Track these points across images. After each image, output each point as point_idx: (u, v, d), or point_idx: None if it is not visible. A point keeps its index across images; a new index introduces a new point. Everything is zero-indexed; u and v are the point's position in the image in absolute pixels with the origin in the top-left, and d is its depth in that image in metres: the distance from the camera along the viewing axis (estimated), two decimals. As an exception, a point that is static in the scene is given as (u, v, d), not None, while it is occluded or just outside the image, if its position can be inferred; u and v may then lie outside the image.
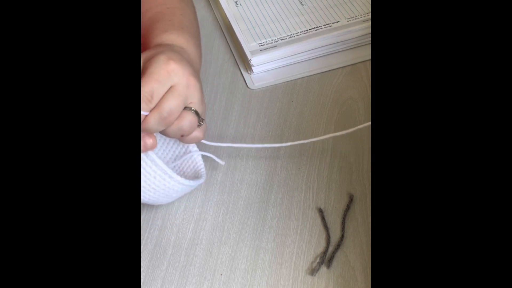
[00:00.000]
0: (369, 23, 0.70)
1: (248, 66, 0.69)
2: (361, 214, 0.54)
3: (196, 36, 0.58)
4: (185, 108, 0.48)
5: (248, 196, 0.56)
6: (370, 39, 0.70)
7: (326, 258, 0.51)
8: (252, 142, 0.61)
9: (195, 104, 0.49)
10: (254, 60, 0.67)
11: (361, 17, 0.72)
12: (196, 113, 0.49)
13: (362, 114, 0.63)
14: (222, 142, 0.56)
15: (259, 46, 0.69)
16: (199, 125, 0.50)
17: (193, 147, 0.57)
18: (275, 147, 0.60)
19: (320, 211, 0.55)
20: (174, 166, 0.57)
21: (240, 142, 0.61)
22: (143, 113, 0.46)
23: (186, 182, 0.50)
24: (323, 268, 0.50)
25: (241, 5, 0.75)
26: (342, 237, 0.52)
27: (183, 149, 0.57)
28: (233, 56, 0.71)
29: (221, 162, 0.56)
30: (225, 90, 0.67)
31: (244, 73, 0.69)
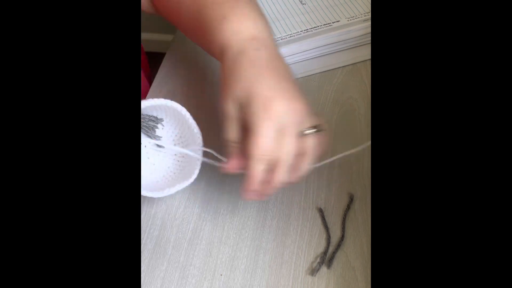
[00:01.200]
0: (369, 23, 0.70)
1: (248, 65, 0.68)
2: (361, 214, 0.54)
3: (263, 14, 0.50)
4: (302, 135, 0.44)
5: (248, 196, 0.56)
6: (370, 38, 0.70)
7: (327, 258, 0.51)
8: (252, 142, 0.61)
9: (304, 122, 0.45)
10: (254, 60, 0.67)
11: (361, 17, 0.71)
12: (313, 128, 0.45)
13: (362, 114, 0.63)
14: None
15: (259, 45, 0.69)
16: (319, 131, 0.46)
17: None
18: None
19: (320, 211, 0.54)
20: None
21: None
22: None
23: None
24: (323, 268, 0.50)
25: (241, 4, 0.75)
26: (342, 237, 0.52)
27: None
28: (233, 55, 0.71)
29: (223, 159, 0.56)
30: (225, 90, 0.67)
31: (244, 73, 0.69)
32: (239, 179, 0.58)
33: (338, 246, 0.51)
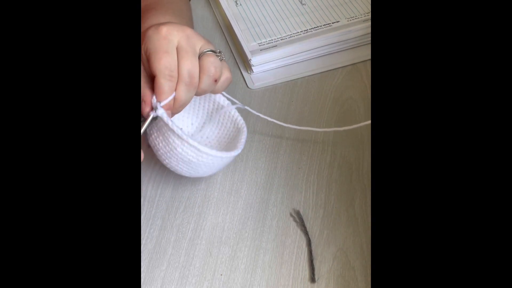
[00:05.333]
0: (369, 23, 0.70)
1: (248, 66, 0.69)
2: (361, 214, 0.54)
3: (191, 25, 0.58)
4: (200, 55, 0.48)
5: (248, 196, 0.56)
6: (370, 39, 0.70)
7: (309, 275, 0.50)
8: (252, 142, 0.61)
9: (204, 46, 0.48)
10: (254, 60, 0.67)
11: (361, 17, 0.72)
12: (212, 51, 0.49)
13: (362, 114, 0.63)
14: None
15: (259, 46, 0.69)
16: (222, 60, 0.50)
17: (224, 101, 0.57)
18: (274, 148, 0.60)
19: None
20: (212, 127, 0.58)
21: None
22: (169, 99, 0.47)
23: (219, 153, 0.50)
24: (323, 268, 0.50)
25: (241, 4, 0.75)
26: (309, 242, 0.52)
27: (214, 105, 0.57)
28: (233, 56, 0.71)
29: (243, 107, 0.56)
30: (225, 90, 0.67)
31: (244, 73, 0.69)
32: (239, 179, 0.58)
33: (310, 252, 0.51)
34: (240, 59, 0.70)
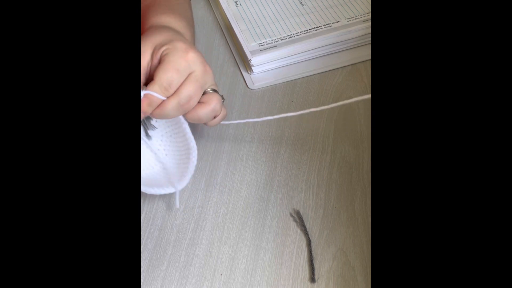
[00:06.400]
0: (369, 23, 0.70)
1: (248, 66, 0.69)
2: (361, 214, 0.54)
3: (191, 25, 0.60)
4: (206, 92, 0.50)
5: (248, 196, 0.56)
6: (370, 39, 0.70)
7: (309, 275, 0.51)
8: (252, 142, 0.61)
9: (212, 86, 0.51)
10: (254, 60, 0.67)
11: (361, 17, 0.72)
12: (216, 91, 0.51)
13: (362, 114, 0.63)
14: (222, 136, 0.56)
15: (259, 46, 0.69)
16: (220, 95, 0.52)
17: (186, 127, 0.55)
18: (274, 148, 0.60)
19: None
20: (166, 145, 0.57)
21: (240, 142, 0.61)
22: (160, 96, 0.47)
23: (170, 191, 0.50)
24: (323, 268, 0.50)
25: (241, 5, 0.75)
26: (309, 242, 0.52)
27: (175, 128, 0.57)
28: (233, 56, 0.71)
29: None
30: (225, 90, 0.67)
31: (244, 73, 0.69)
32: (239, 179, 0.58)
33: (310, 252, 0.51)
34: (240, 59, 0.70)
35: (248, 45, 0.69)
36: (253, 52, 0.68)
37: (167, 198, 0.56)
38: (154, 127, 0.54)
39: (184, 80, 0.48)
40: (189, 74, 0.48)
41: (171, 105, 0.48)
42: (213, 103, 0.50)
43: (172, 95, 0.48)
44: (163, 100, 0.47)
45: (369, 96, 0.54)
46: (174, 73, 0.47)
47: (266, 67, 0.68)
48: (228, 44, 0.73)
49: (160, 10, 0.56)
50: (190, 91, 0.48)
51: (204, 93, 0.50)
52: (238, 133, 0.62)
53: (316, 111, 0.63)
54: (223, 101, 0.53)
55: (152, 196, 0.56)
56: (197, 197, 0.57)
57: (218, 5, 0.77)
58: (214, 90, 0.51)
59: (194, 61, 0.48)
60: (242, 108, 0.65)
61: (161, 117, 0.49)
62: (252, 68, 0.67)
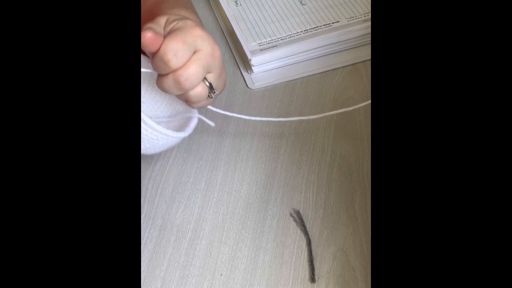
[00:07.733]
0: (369, 23, 0.70)
1: (248, 66, 0.69)
2: (361, 214, 0.54)
3: (200, 20, 0.58)
4: (205, 80, 0.48)
5: (248, 196, 0.56)
6: (370, 39, 0.70)
7: (309, 275, 0.51)
8: (252, 142, 0.61)
9: (213, 76, 0.49)
10: (254, 60, 0.67)
11: (361, 17, 0.72)
12: (210, 86, 0.49)
13: (362, 114, 0.63)
14: (222, 136, 0.56)
15: (259, 46, 0.69)
16: (209, 96, 0.50)
17: (194, 113, 0.56)
18: (274, 148, 0.60)
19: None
20: (169, 121, 0.57)
21: (240, 142, 0.61)
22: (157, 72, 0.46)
23: (166, 131, 0.49)
24: (323, 268, 0.50)
25: (241, 5, 0.75)
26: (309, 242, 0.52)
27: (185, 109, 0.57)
28: (233, 56, 0.71)
29: (211, 123, 0.55)
30: (225, 90, 0.67)
31: (244, 73, 0.69)
32: (239, 179, 0.58)
33: (310, 252, 0.51)
34: (240, 59, 0.70)
35: (248, 45, 0.69)
36: (253, 52, 0.68)
37: (167, 198, 0.56)
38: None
39: (189, 59, 0.46)
40: (195, 52, 0.46)
41: (169, 81, 0.46)
42: (190, 91, 0.47)
43: (173, 71, 0.46)
44: (163, 76, 0.46)
45: (369, 102, 0.55)
46: (179, 43, 0.45)
47: (266, 67, 0.68)
48: (228, 44, 0.73)
49: (170, 5, 0.55)
50: (191, 71, 0.46)
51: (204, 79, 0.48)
52: (238, 132, 0.62)
53: (316, 111, 0.64)
54: (210, 96, 0.50)
55: (152, 196, 0.56)
56: (197, 197, 0.57)
57: (218, 5, 0.77)
58: (211, 87, 0.49)
59: (202, 38, 0.46)
60: (242, 108, 0.65)
61: (160, 90, 0.48)
62: (252, 68, 0.67)
